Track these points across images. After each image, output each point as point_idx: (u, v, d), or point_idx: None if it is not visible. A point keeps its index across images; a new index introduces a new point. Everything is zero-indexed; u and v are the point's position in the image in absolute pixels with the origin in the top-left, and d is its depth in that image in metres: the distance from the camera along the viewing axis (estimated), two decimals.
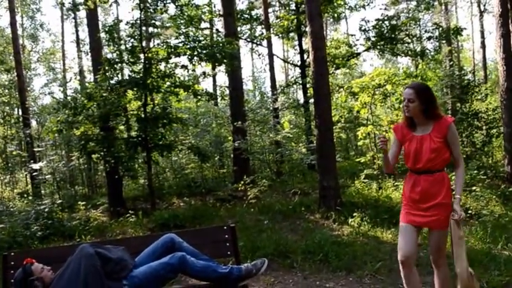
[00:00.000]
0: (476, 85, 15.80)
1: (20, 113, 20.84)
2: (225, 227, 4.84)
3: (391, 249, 7.12)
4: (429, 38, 17.30)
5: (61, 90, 31.42)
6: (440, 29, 17.50)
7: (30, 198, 15.82)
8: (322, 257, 7.00)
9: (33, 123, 22.50)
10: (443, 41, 18.30)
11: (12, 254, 4.61)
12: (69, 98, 12.79)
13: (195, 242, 4.54)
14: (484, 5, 30.99)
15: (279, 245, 7.60)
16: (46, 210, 10.80)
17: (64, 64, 35.12)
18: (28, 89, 28.72)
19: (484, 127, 14.74)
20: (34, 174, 14.77)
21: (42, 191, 16.04)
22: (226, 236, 4.77)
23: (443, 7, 27.65)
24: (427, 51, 17.33)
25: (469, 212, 9.14)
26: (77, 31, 32.50)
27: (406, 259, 4.18)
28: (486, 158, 14.42)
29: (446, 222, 4.07)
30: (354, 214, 9.07)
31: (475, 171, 10.91)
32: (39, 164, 14.58)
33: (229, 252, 4.79)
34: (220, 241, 4.77)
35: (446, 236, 4.19)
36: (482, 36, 32.23)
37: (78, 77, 27.36)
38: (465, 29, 17.66)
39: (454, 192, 4.14)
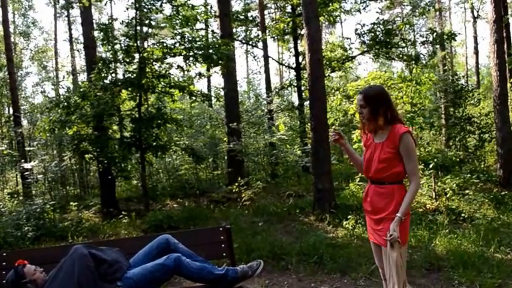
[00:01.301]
0: (469, 90, 15.91)
1: (11, 111, 20.69)
2: (220, 228, 4.80)
3: None
4: (423, 43, 17.34)
5: (53, 89, 31.30)
6: (435, 34, 17.54)
7: (21, 198, 15.72)
8: (316, 259, 6.99)
9: (25, 122, 22.37)
10: (437, 46, 18.32)
11: (4, 254, 4.56)
12: (62, 97, 12.66)
13: (189, 243, 4.51)
14: (478, 11, 31.15)
15: (274, 247, 7.57)
16: (37, 210, 10.70)
17: (57, 63, 34.99)
18: (20, 87, 28.60)
19: (476, 132, 14.84)
20: (25, 174, 14.65)
21: (33, 191, 15.90)
22: (222, 237, 4.74)
23: (437, 13, 27.74)
24: (421, 55, 17.36)
25: (462, 215, 9.18)
26: (70, 29, 32.40)
27: (382, 270, 4.04)
28: (479, 162, 14.51)
29: (401, 239, 3.67)
30: (349, 216, 9.03)
31: (468, 175, 10.96)
32: (31, 163, 14.46)
33: (224, 254, 4.77)
34: (215, 242, 4.73)
35: (403, 254, 3.77)
36: (476, 42, 32.41)
37: (71, 76, 27.25)
38: (459, 34, 17.74)
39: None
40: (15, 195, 17.67)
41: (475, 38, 32.35)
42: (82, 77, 27.47)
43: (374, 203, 3.89)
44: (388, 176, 3.81)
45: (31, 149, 18.59)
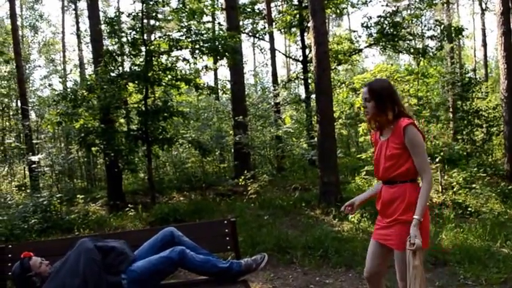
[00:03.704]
0: (477, 83, 15.80)
1: (19, 104, 20.73)
2: (225, 221, 4.75)
3: None
4: (431, 37, 17.21)
5: (61, 82, 31.35)
6: (442, 26, 17.42)
7: (28, 191, 15.76)
8: (322, 252, 7.00)
9: (33, 115, 22.39)
10: (445, 40, 18.19)
11: (10, 246, 4.56)
12: (69, 90, 12.68)
13: (194, 236, 4.48)
14: (486, 3, 30.82)
15: (279, 241, 7.59)
16: (44, 203, 10.70)
17: (64, 56, 35.01)
18: (28, 80, 28.65)
19: (484, 125, 14.76)
20: (32, 166, 14.67)
21: (41, 184, 15.93)
22: (226, 230, 4.69)
23: (445, 5, 27.52)
24: (429, 48, 17.25)
25: (469, 209, 9.17)
26: (77, 22, 32.36)
27: (369, 275, 3.89)
28: (486, 156, 14.45)
29: (404, 242, 3.48)
30: None
31: (475, 169, 10.92)
32: (38, 156, 14.45)
33: (229, 247, 4.72)
34: (220, 235, 4.70)
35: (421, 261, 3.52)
36: (484, 34, 32.05)
37: (79, 69, 27.26)
38: (466, 29, 17.61)
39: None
40: (23, 188, 17.73)
41: (483, 30, 32.06)
42: (89, 70, 27.47)
43: (385, 203, 3.70)
44: (398, 175, 3.60)
45: (39, 141, 18.62)
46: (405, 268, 3.52)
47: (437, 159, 9.95)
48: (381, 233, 3.76)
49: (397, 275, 3.70)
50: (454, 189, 9.90)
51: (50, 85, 30.86)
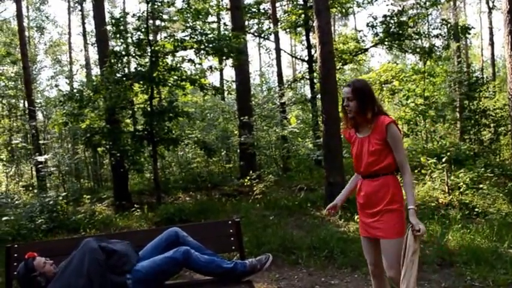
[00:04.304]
0: (484, 82, 15.70)
1: (26, 105, 20.81)
2: (230, 222, 4.76)
3: None
4: (437, 36, 17.12)
5: (67, 83, 31.43)
6: (449, 25, 17.33)
7: (35, 191, 15.81)
8: (327, 253, 6.97)
9: (39, 115, 22.47)
10: (452, 39, 18.10)
11: (16, 246, 4.57)
12: (75, 90, 12.73)
13: (199, 237, 4.48)
14: (493, 2, 30.63)
15: (284, 241, 7.56)
16: (51, 203, 10.78)
17: (70, 56, 35.04)
18: (35, 81, 28.74)
19: (491, 125, 14.66)
20: (39, 166, 14.72)
21: (48, 184, 16.01)
22: (231, 230, 4.69)
23: (451, 3, 27.41)
24: (435, 48, 17.17)
25: (476, 210, 9.10)
26: (83, 23, 32.35)
27: (374, 268, 4.00)
28: (493, 156, 14.34)
29: (394, 230, 3.69)
30: None
31: (482, 169, 10.83)
32: (45, 156, 14.51)
33: (233, 247, 4.73)
34: (224, 236, 4.70)
35: (396, 247, 3.68)
36: (491, 33, 31.80)
37: (85, 70, 27.30)
38: (473, 27, 17.46)
39: (406, 203, 3.71)
40: (30, 188, 17.80)
41: (491, 29, 31.82)
42: (95, 71, 27.55)
43: (369, 196, 3.82)
44: (381, 168, 3.77)
45: (45, 142, 18.69)
46: (395, 255, 3.67)
47: (443, 159, 9.91)
48: (367, 228, 3.89)
49: (385, 264, 3.79)
50: (461, 190, 9.82)
51: (56, 86, 30.99)
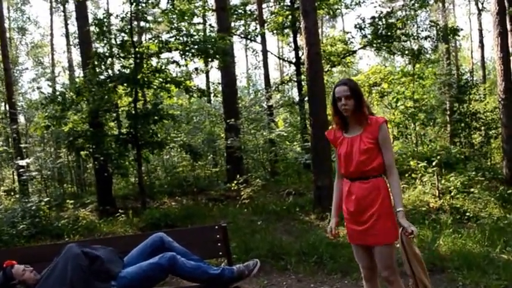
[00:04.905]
0: (474, 85, 15.72)
1: (7, 108, 20.54)
2: (217, 227, 4.75)
3: None
4: (426, 38, 17.10)
5: (49, 85, 31.13)
6: (438, 27, 17.33)
7: (16, 196, 15.61)
8: (316, 259, 6.89)
9: (21, 118, 22.24)
10: (441, 41, 18.10)
11: None
12: (57, 93, 12.56)
13: (185, 242, 4.45)
14: (482, 3, 30.74)
15: (273, 246, 7.48)
16: (33, 208, 10.65)
17: (53, 58, 34.74)
18: (17, 83, 28.47)
19: (482, 128, 14.68)
20: (21, 171, 14.55)
21: (30, 189, 15.82)
22: (218, 236, 4.68)
23: (440, 5, 27.50)
24: (424, 50, 17.13)
25: (467, 214, 9.08)
26: (66, 24, 32.08)
27: (368, 271, 3.97)
28: (484, 160, 14.38)
29: (387, 236, 3.70)
30: None
31: (473, 173, 10.85)
32: (26, 160, 14.36)
33: (220, 253, 4.73)
34: (211, 241, 4.68)
35: (391, 250, 3.74)
36: (481, 35, 31.89)
37: (67, 72, 27.08)
38: (462, 29, 17.47)
39: (394, 205, 3.72)
40: (12, 193, 17.58)
41: (480, 31, 31.86)
42: (78, 73, 27.32)
43: (360, 200, 3.76)
44: (372, 169, 3.75)
45: (27, 145, 18.49)
46: (389, 257, 3.72)
47: (434, 163, 9.88)
48: (358, 236, 3.84)
49: (380, 266, 3.80)
50: (452, 194, 9.85)
51: (38, 88, 30.60)
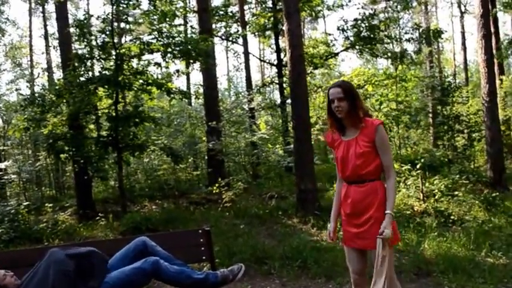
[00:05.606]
0: (457, 87, 15.80)
1: None
2: (200, 231, 4.70)
3: None
4: (409, 40, 17.17)
5: (28, 87, 30.80)
6: (421, 29, 17.41)
7: None
8: (300, 263, 6.84)
9: None
10: (423, 43, 18.20)
11: None
12: (36, 94, 12.42)
13: (168, 246, 4.38)
14: (465, 6, 31.07)
15: (256, 251, 7.42)
16: (12, 212, 10.55)
17: (32, 59, 34.36)
18: None
19: (465, 131, 14.75)
20: None
21: (8, 192, 15.61)
22: (201, 240, 4.63)
23: (423, 7, 27.69)
24: (407, 52, 17.19)
25: (452, 217, 9.09)
26: (45, 25, 31.75)
27: (358, 277, 3.92)
28: (468, 163, 14.44)
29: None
30: None
31: (457, 176, 10.91)
32: (4, 163, 14.17)
33: (204, 257, 4.70)
34: (194, 245, 4.64)
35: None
36: (463, 38, 32.25)
37: (46, 73, 26.78)
38: (445, 31, 17.58)
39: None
40: None
41: (463, 33, 32.21)
42: (58, 75, 27.05)
43: (355, 204, 3.74)
44: (368, 173, 3.70)
45: (5, 148, 18.24)
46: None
47: (418, 166, 9.88)
48: (354, 239, 3.80)
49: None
50: (436, 197, 9.88)
51: (17, 90, 30.25)
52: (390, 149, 3.88)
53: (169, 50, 11.80)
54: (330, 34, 19.97)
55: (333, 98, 3.75)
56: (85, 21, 11.74)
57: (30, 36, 34.46)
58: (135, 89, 12.05)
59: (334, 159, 4.00)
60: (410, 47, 17.48)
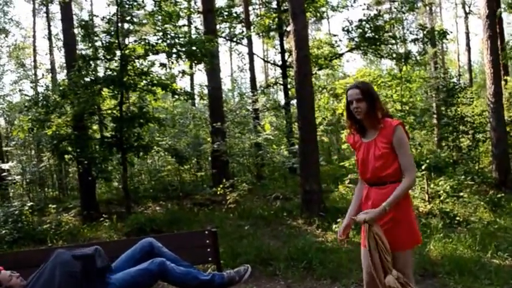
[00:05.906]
0: (462, 88, 15.73)
1: None
2: (206, 232, 4.74)
3: None
4: (414, 41, 17.12)
5: (32, 87, 30.81)
6: (425, 30, 17.36)
7: None
8: (305, 264, 6.82)
9: (2, 121, 22.00)
10: (428, 44, 18.14)
11: None
12: (40, 95, 12.40)
13: (173, 247, 4.36)
14: (469, 7, 30.99)
15: (261, 252, 7.41)
16: (15, 213, 10.49)
17: (35, 60, 34.32)
18: None
19: (470, 132, 14.68)
20: (2, 175, 14.33)
21: (11, 193, 15.59)
22: (207, 241, 4.65)
23: (427, 8, 27.63)
24: (412, 53, 17.14)
25: (457, 218, 9.08)
26: (49, 26, 31.68)
27: (371, 280, 3.77)
28: (473, 164, 14.38)
29: (402, 243, 3.59)
30: (338, 220, 8.80)
31: (462, 177, 10.86)
32: (8, 164, 14.16)
33: (210, 259, 4.69)
34: (200, 246, 4.64)
35: (408, 257, 3.67)
36: (468, 38, 32.10)
37: (50, 74, 26.79)
38: (451, 32, 17.51)
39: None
40: None
41: (467, 34, 32.05)
42: (62, 75, 27.04)
43: (376, 206, 3.61)
44: (388, 175, 3.63)
45: (8, 149, 18.24)
46: (406, 268, 3.60)
47: (423, 167, 9.86)
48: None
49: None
50: (441, 198, 9.87)
51: (20, 90, 30.25)
52: (409, 150, 3.76)
53: (174, 50, 11.78)
54: (334, 35, 19.99)
55: (351, 99, 3.72)
56: (90, 22, 11.73)
57: (34, 36, 34.40)
58: (140, 89, 12.06)
59: (356, 161, 3.98)
60: (414, 48, 17.42)
